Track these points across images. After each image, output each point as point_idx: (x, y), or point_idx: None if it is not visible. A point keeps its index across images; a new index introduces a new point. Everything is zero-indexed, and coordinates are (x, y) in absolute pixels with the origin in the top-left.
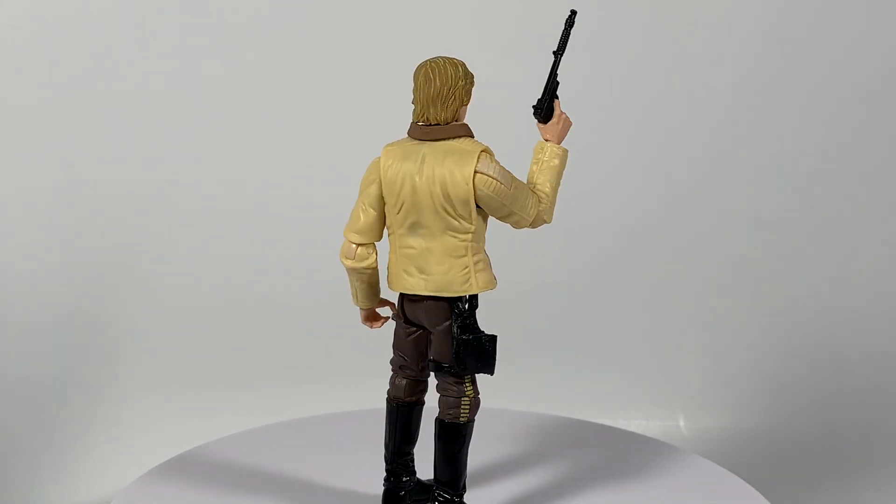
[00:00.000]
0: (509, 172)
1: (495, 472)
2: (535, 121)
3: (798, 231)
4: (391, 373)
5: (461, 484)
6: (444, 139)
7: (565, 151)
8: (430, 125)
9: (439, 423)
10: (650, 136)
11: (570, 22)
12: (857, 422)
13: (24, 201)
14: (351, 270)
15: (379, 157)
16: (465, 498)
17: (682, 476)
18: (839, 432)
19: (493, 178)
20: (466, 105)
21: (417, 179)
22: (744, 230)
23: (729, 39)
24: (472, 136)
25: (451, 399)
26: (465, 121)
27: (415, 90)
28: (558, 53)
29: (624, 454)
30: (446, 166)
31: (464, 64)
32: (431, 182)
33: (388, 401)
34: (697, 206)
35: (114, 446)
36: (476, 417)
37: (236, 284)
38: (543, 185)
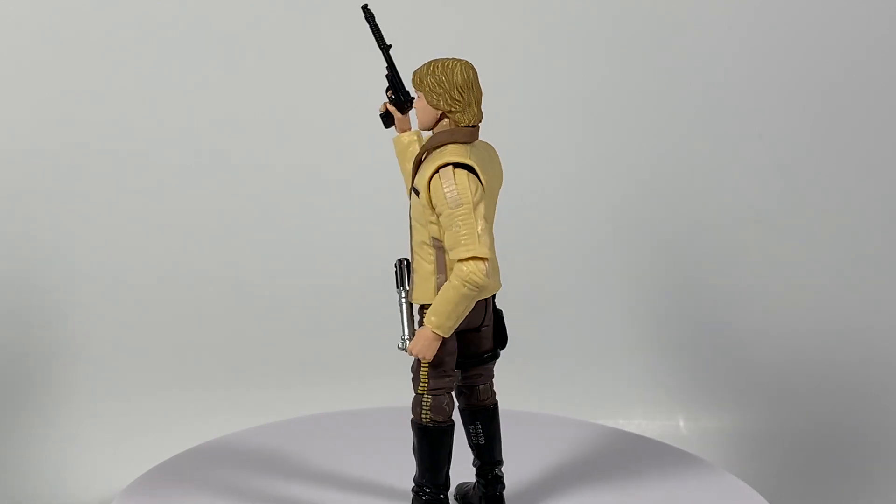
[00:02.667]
0: None
1: None
2: (394, 114)
3: (798, 231)
4: (436, 398)
5: None
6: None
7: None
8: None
9: (491, 408)
10: (651, 137)
11: (367, 16)
12: (857, 422)
13: (28, 207)
14: (483, 292)
15: (465, 169)
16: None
17: (682, 476)
18: (839, 432)
19: None
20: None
21: (494, 182)
22: (744, 230)
23: (727, 38)
24: None
25: (492, 380)
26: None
27: (468, 92)
28: (384, 49)
29: (623, 454)
30: (496, 162)
31: None
32: (498, 180)
33: (444, 423)
34: (697, 206)
35: (114, 446)
36: None
37: (236, 284)
38: None
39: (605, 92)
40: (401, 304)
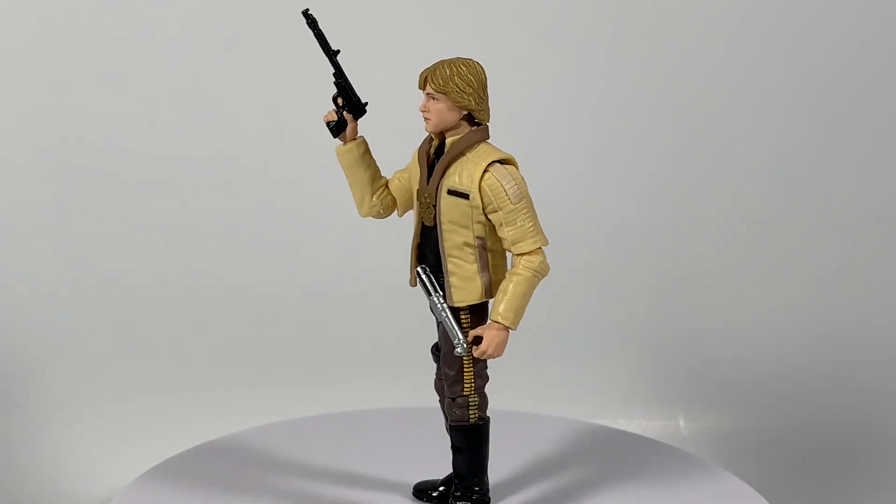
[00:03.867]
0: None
1: (494, 471)
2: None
3: (798, 232)
4: (482, 395)
5: None
6: None
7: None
8: None
9: None
10: (653, 138)
11: (310, 22)
12: (857, 422)
13: (18, 201)
14: None
15: (517, 166)
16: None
17: (682, 476)
18: (839, 432)
19: None
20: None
21: None
22: (744, 231)
23: (731, 42)
24: None
25: None
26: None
27: (487, 90)
28: (331, 55)
29: (624, 454)
30: None
31: None
32: None
33: (488, 418)
34: (699, 207)
35: (114, 446)
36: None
37: (237, 284)
38: None
39: (604, 92)
40: (444, 310)
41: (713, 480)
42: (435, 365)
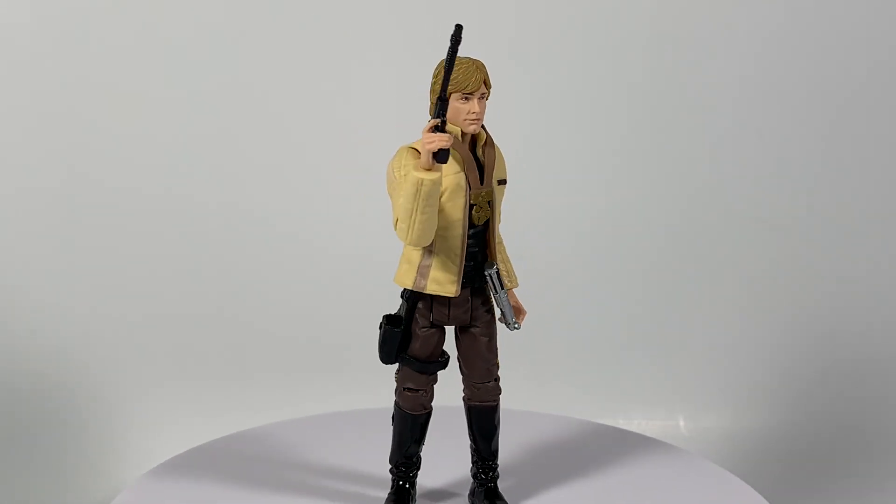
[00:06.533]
0: (408, 174)
1: None
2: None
3: (799, 234)
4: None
5: (394, 457)
6: None
7: (417, 180)
8: None
9: None
10: (652, 140)
11: (456, 39)
12: (857, 422)
13: (26, 202)
14: None
15: None
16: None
17: (682, 476)
18: (839, 432)
19: (390, 167)
20: (432, 101)
21: None
22: (745, 233)
23: (735, 46)
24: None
25: None
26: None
27: None
28: (450, 72)
29: (624, 454)
30: None
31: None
32: None
33: None
34: (699, 209)
35: (114, 446)
36: None
37: (237, 285)
38: (395, 200)
39: (605, 91)
40: (506, 301)
41: (713, 480)
42: (424, 378)
